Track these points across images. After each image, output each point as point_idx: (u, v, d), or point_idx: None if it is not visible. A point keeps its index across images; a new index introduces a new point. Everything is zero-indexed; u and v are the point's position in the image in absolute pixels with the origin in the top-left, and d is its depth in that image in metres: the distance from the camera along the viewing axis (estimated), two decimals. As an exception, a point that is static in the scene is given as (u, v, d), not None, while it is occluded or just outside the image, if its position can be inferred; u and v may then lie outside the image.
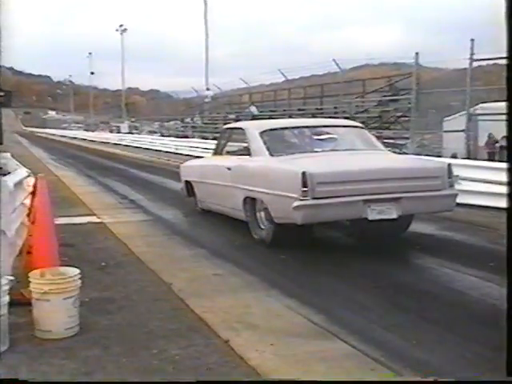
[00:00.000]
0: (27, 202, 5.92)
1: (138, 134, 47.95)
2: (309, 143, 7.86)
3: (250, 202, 7.44)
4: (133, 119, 65.99)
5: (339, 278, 5.74)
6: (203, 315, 4.53)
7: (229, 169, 8.03)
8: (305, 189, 6.27)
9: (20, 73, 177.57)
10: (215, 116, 38.98)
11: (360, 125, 9.26)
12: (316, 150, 7.63)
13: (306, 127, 8.34)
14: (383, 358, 3.68)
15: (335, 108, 25.99)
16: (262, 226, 7.25)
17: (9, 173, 6.33)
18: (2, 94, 10.67)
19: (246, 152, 7.93)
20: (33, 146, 41.09)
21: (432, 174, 7.04)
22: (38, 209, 5.23)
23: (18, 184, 5.78)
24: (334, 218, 6.84)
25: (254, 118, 30.01)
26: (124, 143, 38.66)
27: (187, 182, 9.94)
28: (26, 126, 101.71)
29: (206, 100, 39.30)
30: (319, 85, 31.26)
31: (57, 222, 6.03)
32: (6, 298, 3.81)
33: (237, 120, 30.92)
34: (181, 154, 25.76)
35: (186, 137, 34.40)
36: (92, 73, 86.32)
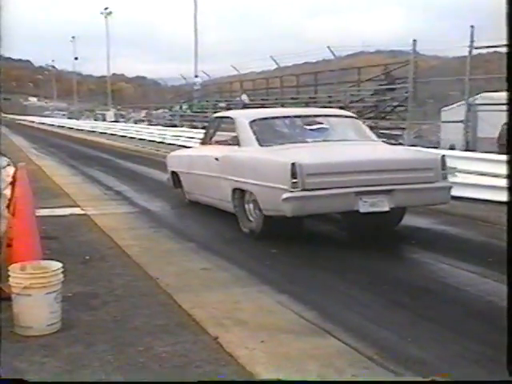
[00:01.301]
0: (7, 192, 5.88)
1: (125, 122, 47.68)
2: (299, 133, 7.91)
3: (239, 193, 7.45)
4: (119, 107, 65.69)
5: (333, 273, 5.76)
6: (191, 311, 4.54)
7: (217, 159, 8.02)
8: (294, 180, 6.30)
9: None
10: (205, 104, 38.87)
11: (353, 115, 9.28)
12: (307, 140, 7.66)
13: (297, 117, 8.34)
14: (377, 356, 3.70)
15: (329, 97, 26.01)
16: (251, 218, 7.27)
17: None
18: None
19: (235, 142, 7.95)
20: (13, 133, 40.75)
21: (425, 165, 7.08)
22: (18, 200, 5.20)
23: (-2, 174, 5.74)
24: (324, 211, 6.86)
25: (246, 106, 29.98)
26: (110, 132, 38.45)
27: (173, 173, 9.96)
28: (6, 113, 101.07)
29: (195, 88, 39.18)
30: (313, 73, 31.22)
31: (38, 214, 6.01)
32: (-16, 293, 3.79)
33: (227, 109, 30.89)
34: (168, 143, 25.70)
35: (175, 126, 34.27)
36: (76, 58, 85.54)
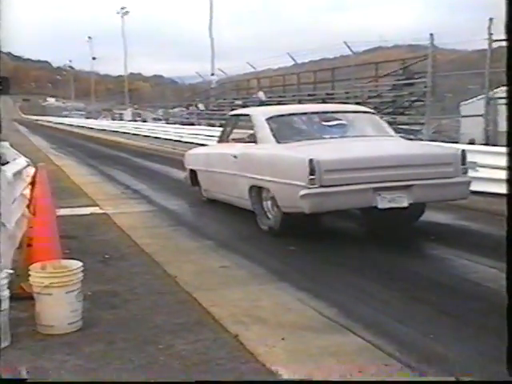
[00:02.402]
0: (27, 192, 5.94)
1: (142, 121, 47.92)
2: (317, 129, 7.86)
3: (257, 190, 7.45)
4: (136, 106, 65.98)
5: (352, 270, 5.74)
6: (211, 309, 4.55)
7: (234, 156, 8.04)
8: (312, 177, 6.28)
9: (18, 58, 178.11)
10: (221, 102, 38.89)
11: (371, 110, 9.23)
12: (324, 136, 7.66)
13: (315, 113, 8.30)
14: (398, 353, 3.68)
15: (347, 93, 25.86)
16: (269, 216, 7.29)
17: (7, 162, 6.35)
18: (-1, 80, 10.59)
19: (253, 139, 7.95)
20: (32, 134, 41.24)
21: (444, 160, 7.03)
22: (38, 200, 5.25)
23: (18, 174, 5.81)
24: (342, 207, 6.77)
25: (262, 104, 29.94)
26: (127, 131, 38.71)
27: (191, 171, 9.98)
28: (25, 114, 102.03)
29: (212, 86, 39.20)
30: (330, 69, 31.04)
31: (58, 214, 6.07)
32: (6, 293, 3.83)
33: (244, 106, 30.88)
34: (186, 142, 25.78)
35: (192, 124, 34.37)
36: (94, 58, 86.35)
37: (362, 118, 8.47)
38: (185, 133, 27.89)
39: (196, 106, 42.17)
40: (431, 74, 18.87)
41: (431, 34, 18.75)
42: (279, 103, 27.66)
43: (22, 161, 6.58)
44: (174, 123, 38.14)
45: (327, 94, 26.65)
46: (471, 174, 7.61)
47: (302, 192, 6.31)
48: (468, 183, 7.01)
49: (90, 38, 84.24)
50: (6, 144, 9.35)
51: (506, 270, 2.60)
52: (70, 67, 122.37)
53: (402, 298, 4.88)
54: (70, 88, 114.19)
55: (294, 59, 29.99)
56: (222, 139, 9.29)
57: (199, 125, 33.36)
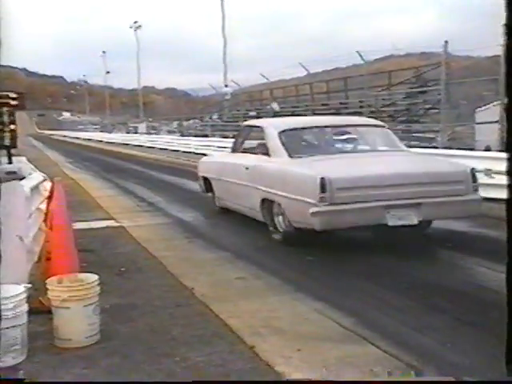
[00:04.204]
0: (43, 206, 5.99)
1: (156, 134, 48.15)
2: (329, 144, 8.09)
3: (268, 203, 7.52)
4: (150, 119, 66.40)
5: (369, 279, 5.71)
6: (227, 320, 4.55)
7: (247, 168, 8.13)
8: (323, 195, 6.34)
9: (33, 74, 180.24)
10: (235, 113, 39.01)
11: (382, 123, 9.22)
12: (336, 151, 7.82)
13: (327, 127, 8.46)
14: (417, 363, 3.65)
15: (361, 102, 25.86)
16: (280, 229, 7.33)
17: (24, 177, 6.42)
18: (14, 96, 10.83)
19: (265, 151, 7.98)
20: (48, 149, 41.62)
21: (455, 178, 7.01)
22: (55, 214, 5.29)
23: (34, 188, 5.87)
24: (353, 225, 6.74)
25: (276, 114, 30.00)
26: (141, 144, 38.92)
27: (205, 179, 10.08)
28: (41, 129, 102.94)
29: (226, 97, 39.35)
30: (343, 78, 31.09)
31: (75, 227, 6.11)
32: (25, 307, 3.86)
33: (258, 117, 30.94)
34: (200, 153, 25.84)
35: (206, 136, 34.48)
36: (107, 72, 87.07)
37: (373, 131, 8.52)
38: (198, 145, 28.01)
39: (210, 117, 42.35)
40: (445, 81, 18.81)
41: (446, 42, 18.71)
42: (293, 114, 27.73)
43: (38, 175, 6.64)
44: (188, 135, 38.31)
45: (341, 104, 26.65)
46: (487, 180, 7.55)
47: (313, 209, 6.36)
48: (479, 200, 6.95)
49: (104, 52, 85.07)
50: (23, 159, 9.48)
51: (506, 270, 2.60)
52: (85, 82, 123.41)
53: (420, 307, 4.85)
54: (84, 102, 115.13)
55: (306, 69, 30.05)
56: (235, 149, 9.37)
57: (213, 136, 33.46)
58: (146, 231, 8.57)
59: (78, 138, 63.01)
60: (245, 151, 8.92)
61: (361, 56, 24.79)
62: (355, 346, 4.02)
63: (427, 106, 22.26)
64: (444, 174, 7.17)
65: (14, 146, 10.71)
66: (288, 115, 29.11)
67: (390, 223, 6.48)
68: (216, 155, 12.27)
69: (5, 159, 8.79)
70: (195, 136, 35.70)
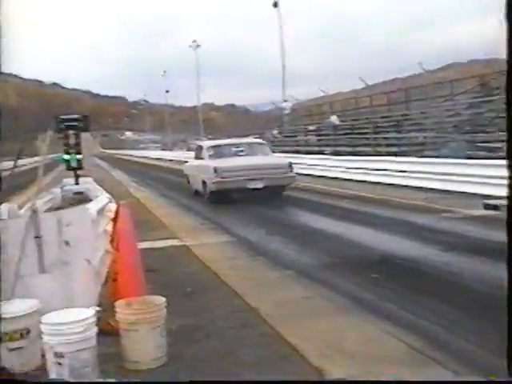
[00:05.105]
0: (110, 228, 6.11)
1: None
2: (229, 152, 15.63)
3: (202, 182, 15.31)
4: (210, 136, 67.20)
5: (439, 298, 5.56)
6: (294, 342, 4.49)
7: (197, 166, 16.60)
8: (215, 174, 14.25)
9: (97, 95, 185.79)
10: (295, 128, 39.00)
11: (261, 141, 18.56)
12: (231, 155, 15.48)
13: (230, 144, 16.51)
14: (493, 387, 3.51)
15: (423, 113, 25.38)
16: (203, 190, 15.36)
17: (90, 199, 6.57)
18: (79, 118, 11.19)
19: (202, 157, 16.18)
20: (112, 168, 42.66)
21: (281, 166, 14.93)
22: (121, 235, 5.38)
23: (101, 211, 5.99)
24: (230, 188, 14.34)
25: (336, 128, 29.85)
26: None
27: (186, 175, 18.32)
28: (105, 148, 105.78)
29: (285, 112, 39.39)
30: (403, 89, 30.64)
31: (140, 247, 6.19)
32: (95, 330, 3.92)
33: (318, 131, 30.91)
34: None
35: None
36: (167, 91, 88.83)
37: (255, 145, 16.65)
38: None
39: (272, 133, 42.45)
40: (511, 88, 18.23)
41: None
42: (352, 127, 27.53)
43: (104, 197, 6.79)
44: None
45: (402, 115, 26.22)
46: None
47: (212, 181, 14.37)
48: (293, 177, 14.93)
49: (164, 72, 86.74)
50: (90, 179, 9.72)
51: (507, 271, 2.50)
52: (145, 101, 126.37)
53: (495, 329, 4.66)
54: (145, 121, 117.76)
55: (365, 82, 29.84)
56: (195, 157, 17.45)
57: (273, 152, 33.51)
58: (210, 250, 8.62)
59: (139, 156, 64.38)
60: (197, 158, 16.98)
61: (422, 67, 24.42)
62: (427, 369, 3.89)
63: (493, 115, 21.64)
64: (276, 164, 15.19)
65: (81, 167, 11.01)
66: (348, 129, 28.96)
67: (249, 186, 14.06)
68: (189, 162, 19.14)
69: (72, 180, 9.05)
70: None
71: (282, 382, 3.39)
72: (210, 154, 15.63)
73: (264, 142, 18.07)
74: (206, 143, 17.79)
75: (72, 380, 3.52)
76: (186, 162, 20.24)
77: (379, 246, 8.20)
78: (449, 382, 3.26)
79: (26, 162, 31.77)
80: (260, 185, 14.04)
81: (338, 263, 7.32)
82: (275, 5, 39.20)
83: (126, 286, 4.90)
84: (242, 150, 15.64)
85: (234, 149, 15.75)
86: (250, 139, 20.47)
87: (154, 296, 4.54)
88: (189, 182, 17.66)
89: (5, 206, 5.02)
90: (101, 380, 3.50)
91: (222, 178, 14.09)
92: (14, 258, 4.44)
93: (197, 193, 16.26)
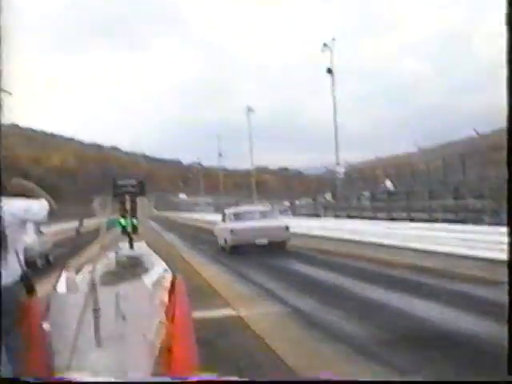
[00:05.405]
0: (165, 299, 6.13)
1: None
2: (244, 216, 20.42)
3: (225, 238, 20.29)
4: (263, 201, 67.57)
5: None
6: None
7: (221, 228, 21.75)
8: (232, 233, 19.48)
9: (152, 159, 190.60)
10: (348, 193, 38.90)
11: (270, 207, 27.46)
12: (245, 219, 20.14)
13: (245, 211, 21.60)
14: None
15: (480, 179, 24.94)
16: (225, 245, 20.25)
17: (144, 265, 6.63)
18: (135, 182, 11.55)
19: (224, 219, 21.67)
20: (165, 231, 43.20)
21: (281, 227, 19.74)
22: (175, 306, 5.38)
23: (157, 282, 6.02)
24: (243, 243, 18.97)
25: (390, 193, 29.62)
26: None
27: (216, 236, 22.76)
28: (159, 210, 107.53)
29: (338, 176, 39.43)
30: (459, 154, 30.28)
31: (193, 316, 6.17)
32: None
33: (372, 197, 30.74)
34: (312, 235, 25.78)
35: (318, 215, 34.49)
36: (220, 154, 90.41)
37: (266, 210, 22.20)
38: (313, 225, 28.06)
39: (324, 197, 42.46)
40: None
41: None
42: (408, 193, 27.25)
43: (159, 268, 6.84)
44: (299, 215, 38.43)
45: (458, 181, 25.84)
46: None
47: (230, 238, 19.53)
48: (289, 235, 19.83)
49: (218, 136, 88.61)
50: (143, 244, 9.84)
51: (508, 271, 2.47)
52: (199, 164, 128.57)
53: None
54: (199, 184, 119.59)
55: (419, 147, 29.67)
56: (222, 220, 22.15)
57: (326, 216, 33.40)
58: (264, 321, 8.51)
59: (192, 219, 65.09)
60: (222, 221, 21.64)
61: (476, 131, 24.16)
62: None
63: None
64: (277, 226, 19.77)
65: (136, 232, 11.26)
66: (403, 195, 28.70)
67: (257, 242, 18.76)
68: (217, 225, 23.26)
69: (126, 244, 9.20)
70: (307, 215, 35.79)
71: (282, 382, 3.27)
72: (231, 218, 20.66)
73: (273, 207, 28.32)
74: (229, 211, 22.38)
75: (72, 380, 3.49)
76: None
77: (439, 321, 7.95)
78: (449, 382, 3.12)
79: (84, 224, 32.61)
80: (265, 241, 18.99)
81: (394, 339, 7.10)
82: (329, 71, 39.82)
83: (179, 359, 4.86)
84: (253, 215, 20.67)
85: (249, 214, 20.77)
86: (263, 207, 27.16)
87: (207, 374, 4.47)
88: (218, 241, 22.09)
89: (64, 276, 5.10)
90: (101, 380, 3.45)
91: (237, 236, 19.17)
92: (71, 332, 4.48)
93: (222, 249, 20.77)
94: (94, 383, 3.57)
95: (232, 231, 19.29)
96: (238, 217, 20.53)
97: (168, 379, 3.55)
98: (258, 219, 20.07)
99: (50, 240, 19.62)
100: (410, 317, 8.33)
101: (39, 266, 16.43)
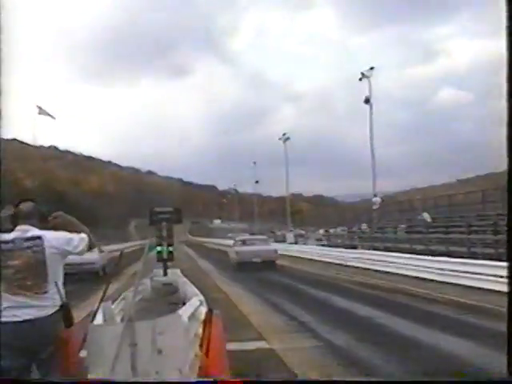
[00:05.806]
0: (200, 332, 6.14)
1: (304, 243, 48.38)
2: (245, 242, 29.97)
3: (233, 257, 29.22)
4: (299, 228, 67.34)
5: None
6: None
7: (231, 250, 31.12)
8: (237, 254, 28.28)
9: (188, 184, 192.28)
10: (385, 224, 38.49)
11: (266, 237, 36.15)
12: (246, 244, 29.43)
13: (248, 238, 32.26)
14: None
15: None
16: (233, 262, 28.93)
17: (184, 303, 6.66)
18: (172, 210, 11.79)
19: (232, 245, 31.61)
20: (199, 257, 43.30)
21: (271, 250, 28.94)
22: (210, 339, 5.40)
23: (192, 315, 6.04)
24: (245, 260, 27.40)
25: (428, 225, 29.24)
26: (290, 254, 39.24)
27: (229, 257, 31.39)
28: (193, 236, 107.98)
29: (374, 207, 39.02)
30: (497, 188, 29.76)
31: (228, 348, 6.17)
32: None
33: (409, 228, 30.39)
34: (351, 266, 25.58)
35: (354, 247, 34.11)
36: (256, 181, 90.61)
37: (263, 239, 32.09)
38: (349, 257, 27.83)
39: (360, 228, 42.07)
40: None
41: None
42: (446, 226, 26.87)
43: (195, 300, 6.87)
44: (336, 246, 38.05)
45: (498, 215, 25.39)
46: None
47: (235, 257, 28.57)
48: (277, 253, 29.09)
49: (254, 163, 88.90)
50: (178, 271, 9.87)
51: (507, 271, 2.42)
52: (235, 190, 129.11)
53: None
54: (234, 210, 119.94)
55: (455, 177, 29.29)
56: (232, 245, 31.37)
57: (362, 247, 33.06)
58: (298, 355, 8.45)
59: (226, 245, 65.01)
60: (233, 246, 30.50)
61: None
62: None
63: None
64: (268, 249, 28.82)
65: (172, 259, 11.43)
66: (441, 227, 28.28)
67: (253, 260, 27.63)
68: (230, 247, 31.66)
69: (161, 271, 9.27)
70: (343, 246, 35.47)
71: (282, 382, 3.23)
72: (237, 244, 29.77)
73: (267, 237, 37.18)
74: (238, 237, 34.27)
75: (72, 380, 3.50)
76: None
77: (476, 360, 7.79)
78: (449, 382, 3.03)
79: (120, 247, 33.78)
80: (259, 259, 27.07)
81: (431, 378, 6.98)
82: (367, 101, 39.78)
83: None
84: (253, 242, 29.65)
85: (249, 241, 30.07)
86: (261, 236, 37.07)
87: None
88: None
89: (102, 307, 5.16)
90: (101, 380, 3.46)
91: (240, 256, 27.65)
92: (107, 364, 4.51)
93: (232, 266, 28.41)
94: (94, 383, 3.60)
95: (237, 252, 28.06)
96: (243, 242, 29.77)
97: (174, 379, 3.55)
98: (256, 245, 28.75)
99: (106, 257, 24.87)
100: (448, 355, 8.19)
101: (100, 275, 22.30)
